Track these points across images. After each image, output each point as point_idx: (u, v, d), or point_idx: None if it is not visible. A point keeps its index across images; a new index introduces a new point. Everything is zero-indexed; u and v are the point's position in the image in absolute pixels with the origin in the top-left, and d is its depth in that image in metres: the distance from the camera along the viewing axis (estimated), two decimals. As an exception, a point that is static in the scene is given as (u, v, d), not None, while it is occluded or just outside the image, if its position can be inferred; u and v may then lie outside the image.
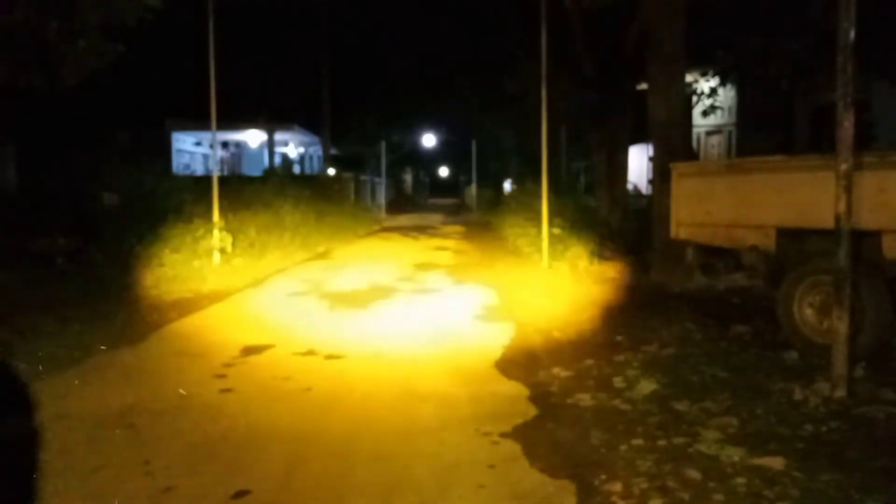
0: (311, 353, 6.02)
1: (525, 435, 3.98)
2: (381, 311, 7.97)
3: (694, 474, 3.39)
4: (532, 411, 4.41)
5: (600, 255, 10.92)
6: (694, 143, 20.69)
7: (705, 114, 18.11)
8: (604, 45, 14.32)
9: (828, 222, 4.53)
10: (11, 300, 7.41)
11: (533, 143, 16.64)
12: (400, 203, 41.49)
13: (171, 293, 8.74)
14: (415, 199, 52.79)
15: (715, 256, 7.14)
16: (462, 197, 46.69)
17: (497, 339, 6.44)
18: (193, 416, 4.40)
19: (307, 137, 30.22)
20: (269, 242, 12.42)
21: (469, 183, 41.51)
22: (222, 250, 10.70)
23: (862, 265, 4.98)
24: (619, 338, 6.25)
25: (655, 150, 9.92)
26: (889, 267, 5.18)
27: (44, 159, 19.92)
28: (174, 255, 9.97)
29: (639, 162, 24.14)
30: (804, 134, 17.64)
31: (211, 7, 10.53)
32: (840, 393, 4.37)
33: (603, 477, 3.41)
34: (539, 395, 4.73)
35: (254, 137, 28.20)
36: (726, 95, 19.88)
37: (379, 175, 33.99)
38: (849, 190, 4.29)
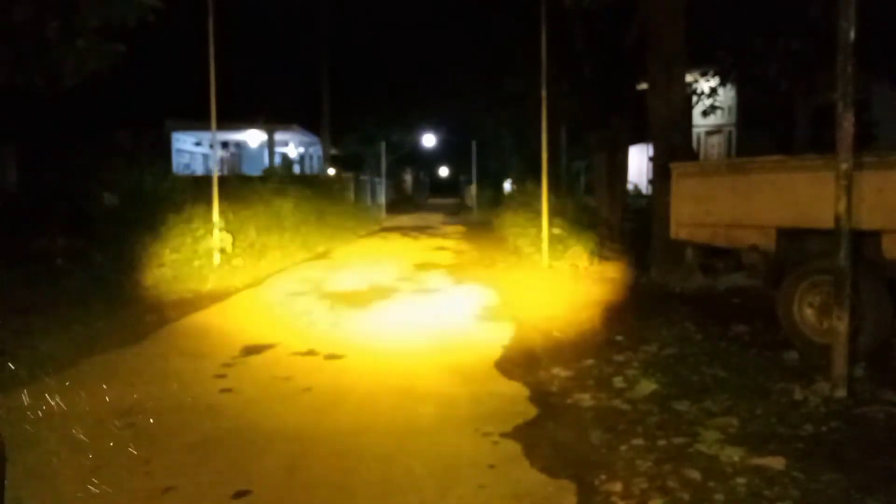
0: (311, 353, 6.02)
1: (525, 435, 3.98)
2: (382, 311, 7.96)
3: (694, 474, 3.39)
4: (532, 411, 4.41)
5: (600, 254, 10.93)
6: (694, 143, 20.65)
7: (705, 114, 18.09)
8: (604, 46, 14.32)
9: (828, 222, 4.53)
10: (11, 300, 7.41)
11: (533, 143, 16.64)
12: (400, 203, 41.50)
13: (171, 293, 8.74)
14: (415, 198, 52.80)
15: (715, 256, 7.14)
16: (462, 197, 46.69)
17: (497, 338, 6.44)
18: (194, 416, 4.40)
19: (307, 137, 30.19)
20: (269, 242, 12.41)
21: (469, 183, 41.49)
22: (222, 250, 10.69)
23: (862, 265, 4.98)
24: (619, 338, 6.25)
25: (655, 150, 9.92)
26: (889, 267, 5.18)
27: (44, 159, 19.91)
28: (174, 255, 9.97)
29: (639, 162, 24.13)
30: (804, 134, 17.62)
31: (211, 7, 10.52)
32: (840, 393, 4.37)
33: (603, 477, 3.41)
34: (539, 395, 4.73)
35: (254, 137, 28.18)
36: (726, 95, 19.86)
37: (379, 175, 33.99)
38: (849, 190, 4.29)
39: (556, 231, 11.14)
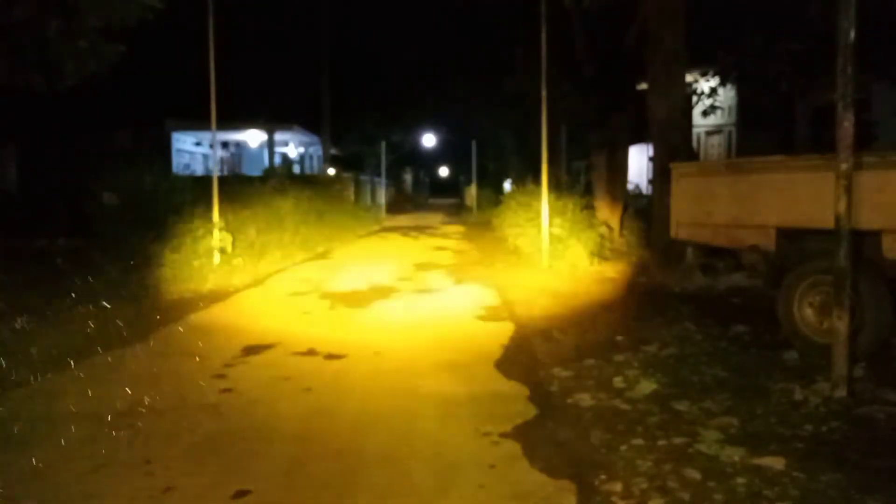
0: (311, 352, 6.02)
1: (525, 435, 3.98)
2: (382, 311, 7.96)
3: (694, 474, 3.39)
4: (532, 411, 4.41)
5: (600, 254, 10.93)
6: (694, 143, 20.66)
7: (705, 114, 18.08)
8: (604, 45, 14.32)
9: (828, 222, 4.53)
10: (11, 300, 7.40)
11: (533, 143, 16.63)
12: (400, 203, 41.53)
13: (172, 293, 8.75)
14: (415, 198, 52.81)
15: (715, 256, 7.15)
16: (462, 197, 46.70)
17: (497, 339, 6.44)
18: (194, 416, 4.40)
19: (307, 137, 30.20)
20: (269, 242, 12.40)
21: (469, 183, 41.49)
22: (222, 250, 10.69)
23: (862, 265, 4.98)
24: (619, 338, 6.25)
25: (655, 150, 9.94)
26: (889, 267, 5.18)
27: (44, 159, 19.94)
28: (174, 255, 9.96)
29: (639, 162, 24.13)
30: (804, 134, 17.64)
31: (211, 7, 10.52)
32: (840, 393, 4.37)
33: (603, 477, 3.41)
34: (539, 395, 4.72)
35: (254, 137, 28.18)
36: (726, 95, 19.84)
37: (379, 175, 33.99)
38: (849, 190, 4.29)
39: (556, 231, 11.13)
